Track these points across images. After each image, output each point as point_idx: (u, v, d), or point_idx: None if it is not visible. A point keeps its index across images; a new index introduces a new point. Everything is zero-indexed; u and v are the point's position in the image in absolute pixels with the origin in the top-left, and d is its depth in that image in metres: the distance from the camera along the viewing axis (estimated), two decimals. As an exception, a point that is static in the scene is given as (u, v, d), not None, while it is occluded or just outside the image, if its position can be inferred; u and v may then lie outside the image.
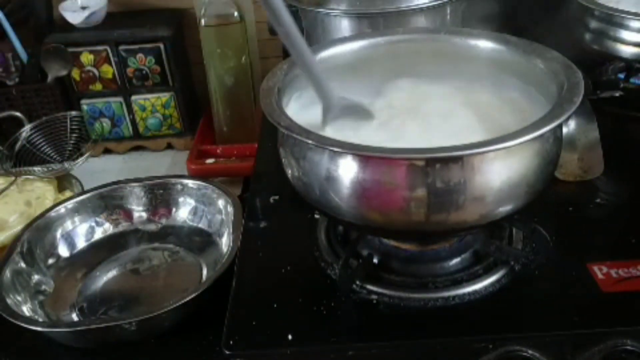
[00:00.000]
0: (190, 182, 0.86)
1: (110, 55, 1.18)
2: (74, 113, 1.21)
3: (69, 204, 0.84)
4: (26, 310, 0.70)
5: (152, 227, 0.86)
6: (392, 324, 0.52)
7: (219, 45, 1.13)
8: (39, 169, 1.09)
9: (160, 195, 0.87)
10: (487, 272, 0.55)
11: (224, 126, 1.22)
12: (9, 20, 1.12)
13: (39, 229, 0.80)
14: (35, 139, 1.16)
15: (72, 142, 1.19)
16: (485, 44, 0.59)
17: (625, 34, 0.85)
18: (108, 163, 1.28)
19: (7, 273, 0.72)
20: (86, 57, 1.18)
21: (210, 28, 1.11)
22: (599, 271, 0.54)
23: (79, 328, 0.65)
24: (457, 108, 0.57)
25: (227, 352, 0.50)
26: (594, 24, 0.90)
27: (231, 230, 0.76)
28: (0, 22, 1.12)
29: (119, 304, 0.74)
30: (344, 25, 0.82)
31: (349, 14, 0.81)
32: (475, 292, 0.53)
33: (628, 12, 0.83)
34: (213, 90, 1.18)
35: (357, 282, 0.54)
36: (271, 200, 0.69)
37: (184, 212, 0.86)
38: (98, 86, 1.22)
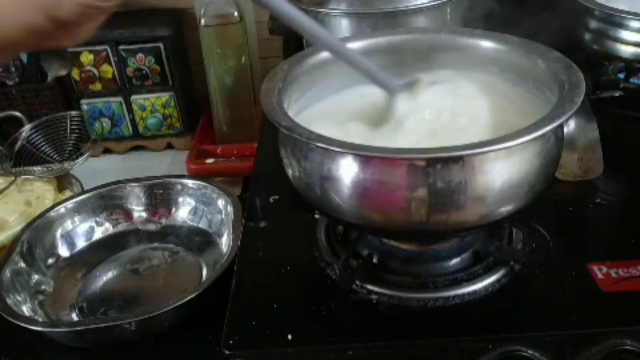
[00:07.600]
0: (190, 182, 0.86)
1: (110, 55, 1.18)
2: (73, 113, 1.21)
3: (69, 204, 0.84)
4: (26, 310, 0.70)
5: (152, 227, 0.86)
6: (392, 324, 0.52)
7: (219, 45, 1.13)
8: (39, 168, 1.09)
9: (160, 195, 0.87)
10: (487, 272, 0.55)
11: (223, 126, 1.22)
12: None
13: (39, 229, 0.80)
14: (35, 138, 1.16)
15: (72, 142, 1.19)
16: (486, 44, 0.59)
17: (625, 34, 0.85)
18: (108, 163, 1.28)
19: (7, 273, 0.72)
20: (86, 57, 1.18)
21: (210, 28, 1.11)
22: (599, 271, 0.54)
23: (78, 328, 0.65)
24: (457, 108, 0.57)
25: (227, 352, 0.50)
26: (594, 24, 0.90)
27: (231, 230, 0.76)
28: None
29: (118, 304, 0.74)
30: (344, 25, 0.82)
31: (349, 14, 0.81)
32: (475, 292, 0.53)
33: (628, 12, 0.83)
34: (213, 90, 1.18)
35: (357, 282, 0.54)
36: (271, 200, 0.69)
37: (183, 212, 0.86)
38: (98, 86, 1.22)
